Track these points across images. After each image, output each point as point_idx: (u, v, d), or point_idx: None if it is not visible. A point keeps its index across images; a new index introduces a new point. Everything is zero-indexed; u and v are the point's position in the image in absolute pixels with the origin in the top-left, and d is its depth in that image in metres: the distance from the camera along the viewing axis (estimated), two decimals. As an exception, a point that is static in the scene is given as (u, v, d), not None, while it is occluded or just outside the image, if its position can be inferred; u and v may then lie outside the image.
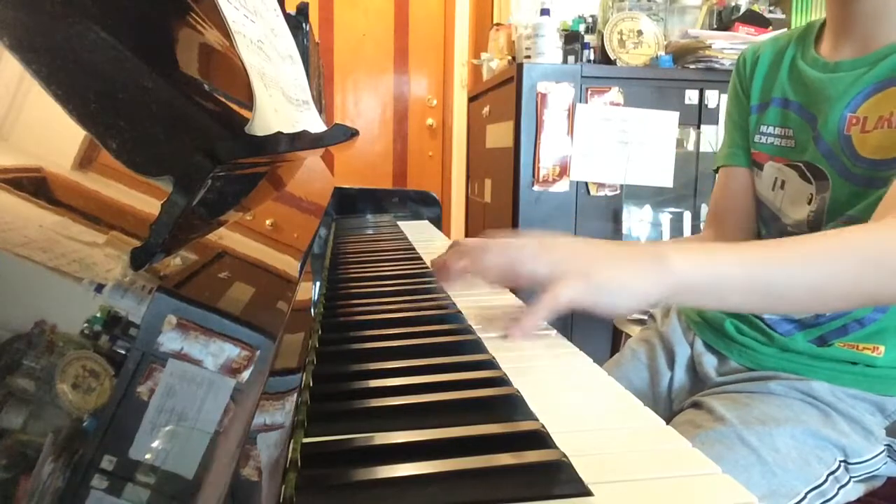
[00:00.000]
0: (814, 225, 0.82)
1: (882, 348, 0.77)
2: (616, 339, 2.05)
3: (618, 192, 2.17)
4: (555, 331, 0.63)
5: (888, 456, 0.75)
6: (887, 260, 0.59)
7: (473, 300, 0.73)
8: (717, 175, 1.00)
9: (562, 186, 2.15)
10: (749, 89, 0.92)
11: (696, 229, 2.16)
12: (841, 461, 0.72)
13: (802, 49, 0.86)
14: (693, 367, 0.90)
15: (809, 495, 0.69)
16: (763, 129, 0.89)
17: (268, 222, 0.54)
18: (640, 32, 2.30)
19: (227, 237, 0.41)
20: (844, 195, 0.78)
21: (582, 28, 2.36)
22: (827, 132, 0.79)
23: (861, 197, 0.75)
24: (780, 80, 0.87)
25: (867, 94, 0.76)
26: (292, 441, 0.36)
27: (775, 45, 0.91)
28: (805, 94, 0.84)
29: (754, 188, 0.92)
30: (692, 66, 2.21)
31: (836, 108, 0.78)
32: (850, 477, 0.73)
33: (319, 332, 0.57)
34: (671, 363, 0.92)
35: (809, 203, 0.82)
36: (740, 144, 0.94)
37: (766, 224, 0.91)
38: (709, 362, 0.87)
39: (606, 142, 2.15)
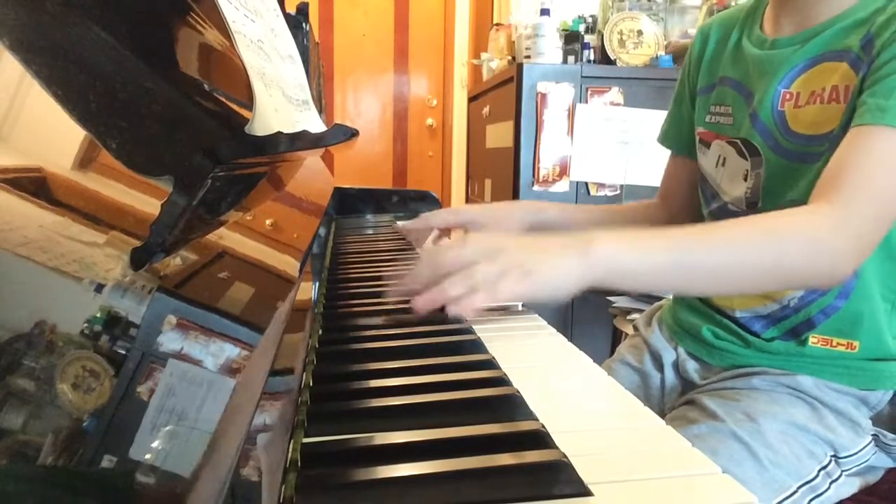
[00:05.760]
0: (751, 202, 0.82)
1: (857, 344, 0.77)
2: (616, 338, 2.05)
3: (618, 192, 2.17)
4: (555, 330, 0.63)
5: (876, 446, 0.76)
6: (792, 242, 0.65)
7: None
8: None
9: (562, 186, 2.15)
10: (696, 73, 0.94)
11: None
12: (831, 456, 0.73)
13: (749, 28, 0.87)
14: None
15: (801, 490, 0.69)
16: (713, 108, 0.90)
17: (268, 222, 0.54)
18: (640, 32, 2.30)
19: (227, 237, 0.41)
20: (779, 172, 0.78)
21: (582, 28, 2.35)
22: (762, 108, 0.80)
23: (796, 174, 0.75)
24: (724, 60, 0.89)
25: (800, 69, 0.77)
26: (292, 441, 0.36)
27: (723, 25, 0.91)
28: (744, 71, 0.85)
29: (699, 166, 0.94)
30: (692, 66, 2.20)
31: (772, 84, 0.79)
32: (842, 471, 0.73)
33: (319, 332, 0.57)
34: (660, 367, 0.92)
35: (746, 180, 0.83)
36: (678, 130, 0.98)
37: (707, 201, 0.92)
38: (692, 368, 0.88)
39: (606, 142, 2.15)
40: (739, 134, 0.83)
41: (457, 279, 0.58)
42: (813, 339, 0.78)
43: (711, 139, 0.90)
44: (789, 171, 0.77)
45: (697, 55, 0.94)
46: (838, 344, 0.78)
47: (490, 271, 0.58)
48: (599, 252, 0.60)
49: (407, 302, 0.59)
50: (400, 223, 1.28)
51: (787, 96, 0.78)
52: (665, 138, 1.02)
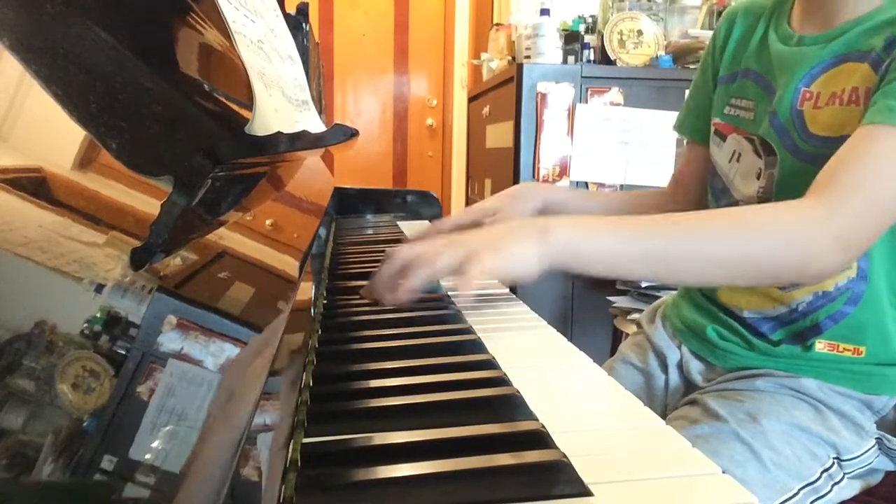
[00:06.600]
0: (763, 202, 0.80)
1: (863, 349, 0.76)
2: (616, 338, 2.05)
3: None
4: (554, 330, 0.63)
5: (879, 449, 0.75)
6: (763, 235, 0.65)
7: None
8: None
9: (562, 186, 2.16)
10: (719, 60, 0.92)
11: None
12: (834, 458, 0.72)
13: (776, 21, 0.85)
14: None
15: (802, 492, 0.69)
16: (733, 101, 0.88)
17: (268, 222, 0.54)
18: (640, 32, 2.30)
19: (227, 237, 0.41)
20: (792, 173, 0.77)
21: (582, 28, 2.35)
22: (781, 106, 0.78)
23: (809, 176, 0.74)
24: (748, 51, 0.87)
25: (822, 68, 0.76)
26: (292, 441, 0.36)
27: (750, 14, 0.89)
28: (767, 66, 0.83)
29: (712, 159, 0.91)
30: (692, 66, 2.20)
31: (793, 81, 0.78)
32: (844, 474, 0.73)
33: (319, 332, 0.57)
34: (664, 367, 0.92)
35: (759, 178, 0.81)
36: (696, 117, 0.96)
37: (716, 197, 0.90)
38: (695, 368, 0.87)
39: (606, 142, 2.15)
40: (758, 131, 0.82)
41: (423, 266, 0.61)
42: (819, 345, 0.78)
43: (728, 132, 0.88)
44: (802, 172, 0.75)
45: (722, 41, 0.91)
46: (845, 349, 0.77)
47: (455, 254, 0.61)
48: (556, 237, 0.63)
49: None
50: (403, 224, 1.28)
51: (808, 95, 0.76)
52: (681, 126, 1.00)
